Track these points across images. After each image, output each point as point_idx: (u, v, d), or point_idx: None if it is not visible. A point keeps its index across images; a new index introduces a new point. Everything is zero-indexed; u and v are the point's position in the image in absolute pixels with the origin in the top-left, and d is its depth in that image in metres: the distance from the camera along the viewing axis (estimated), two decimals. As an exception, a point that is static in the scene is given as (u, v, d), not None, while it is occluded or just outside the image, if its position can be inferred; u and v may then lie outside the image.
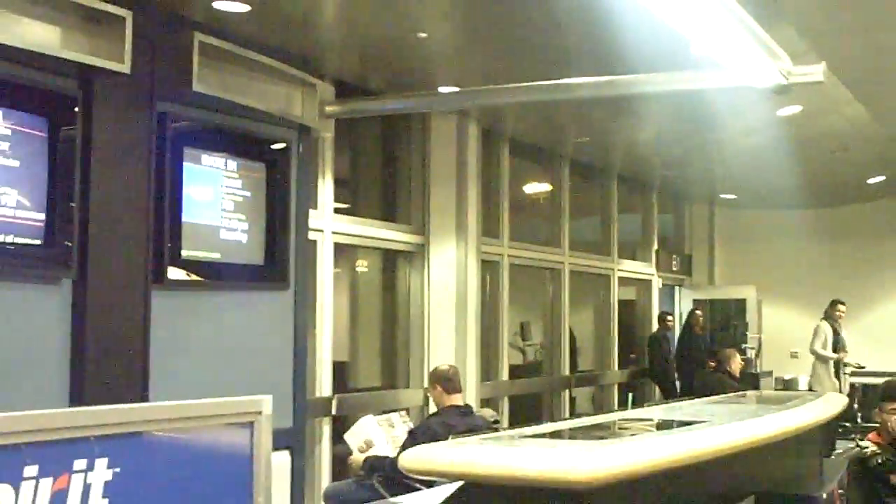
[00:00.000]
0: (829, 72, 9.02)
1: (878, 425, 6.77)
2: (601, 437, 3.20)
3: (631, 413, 4.62)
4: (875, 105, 11.23)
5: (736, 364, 11.15)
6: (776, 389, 14.53)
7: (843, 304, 14.18)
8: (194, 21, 6.53)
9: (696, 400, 5.49)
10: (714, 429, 3.29)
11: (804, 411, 4.00)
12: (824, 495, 3.70)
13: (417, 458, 2.64)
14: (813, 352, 13.48)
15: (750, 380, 13.70)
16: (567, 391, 13.40)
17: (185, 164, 6.36)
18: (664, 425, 3.74)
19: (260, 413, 2.82)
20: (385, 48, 8.32)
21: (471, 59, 8.96)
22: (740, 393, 7.15)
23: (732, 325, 16.96)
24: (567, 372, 13.32)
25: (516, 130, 11.97)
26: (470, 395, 10.05)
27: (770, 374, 16.25)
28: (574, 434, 3.30)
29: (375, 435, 7.15)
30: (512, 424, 10.75)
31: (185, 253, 6.37)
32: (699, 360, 13.89)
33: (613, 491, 2.44)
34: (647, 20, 5.99)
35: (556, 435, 3.16)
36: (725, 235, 18.06)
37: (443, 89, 9.05)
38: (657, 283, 16.19)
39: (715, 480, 3.21)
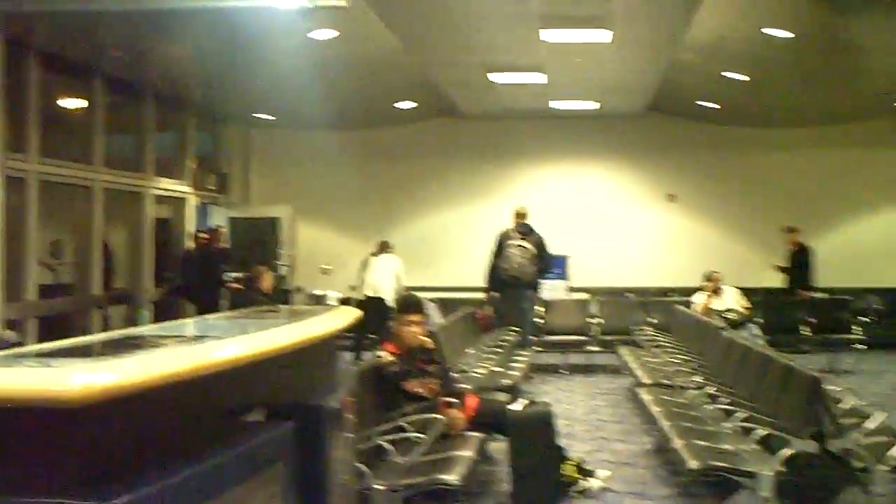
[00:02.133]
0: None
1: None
2: (107, 354, 3.20)
3: (151, 329, 4.62)
4: (405, 35, 11.78)
5: (267, 281, 11.37)
6: (308, 305, 14.97)
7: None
8: None
9: (219, 315, 5.58)
10: (221, 342, 3.39)
11: (312, 325, 4.18)
12: (333, 404, 3.88)
13: None
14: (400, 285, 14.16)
15: (282, 296, 14.05)
16: (100, 310, 13.17)
17: None
18: (179, 340, 3.78)
19: None
20: None
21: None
22: (268, 308, 7.29)
23: (266, 243, 17.24)
24: (100, 290, 13.06)
25: (46, 41, 11.45)
26: (-8, 316, 9.67)
27: (302, 290, 16.77)
28: (80, 351, 3.26)
29: None
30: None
31: None
32: (224, 277, 14.02)
33: (114, 407, 2.44)
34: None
35: (62, 353, 3.10)
36: (262, 155, 18.31)
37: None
38: (193, 202, 16.15)
39: (226, 392, 3.28)
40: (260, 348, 3.25)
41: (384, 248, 14.62)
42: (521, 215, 13.08)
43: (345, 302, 13.88)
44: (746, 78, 13.89)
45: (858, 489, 6.11)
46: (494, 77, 14.16)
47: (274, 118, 17.36)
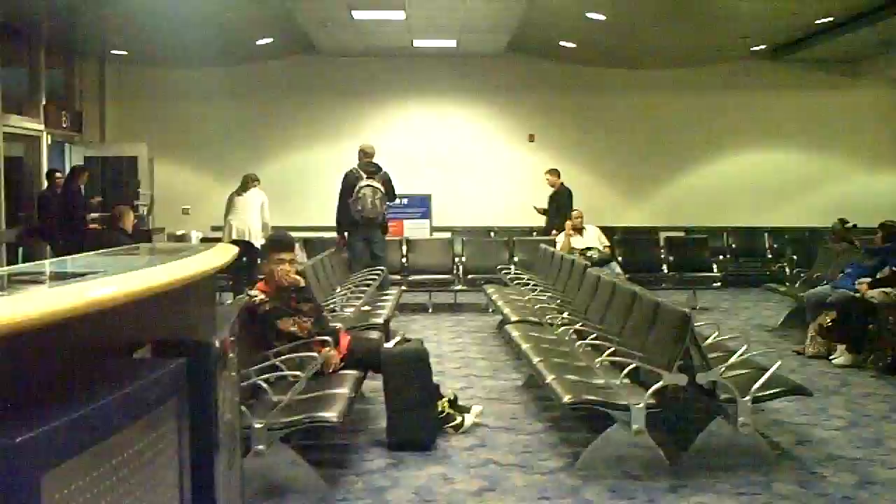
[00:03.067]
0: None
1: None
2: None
3: (22, 268, 4.46)
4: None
5: (129, 221, 11.13)
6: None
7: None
8: None
9: (89, 254, 5.41)
10: (108, 278, 3.29)
11: (195, 261, 4.10)
12: (217, 342, 3.82)
13: None
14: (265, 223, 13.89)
15: (143, 236, 13.75)
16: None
17: None
18: (57, 278, 3.66)
19: None
20: None
21: None
22: (133, 247, 7.14)
23: (124, 183, 16.85)
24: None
25: None
26: None
27: (163, 230, 16.46)
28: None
29: None
30: None
31: None
32: (86, 217, 13.65)
33: (5, 345, 2.36)
34: None
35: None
36: (117, 92, 17.78)
37: None
38: (46, 140, 15.63)
39: (112, 330, 3.19)
40: (148, 283, 3.16)
41: (250, 181, 14.15)
42: (367, 154, 12.73)
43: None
44: (604, 17, 14.02)
45: (724, 420, 6.31)
46: (359, 14, 14.01)
47: (130, 54, 16.86)
